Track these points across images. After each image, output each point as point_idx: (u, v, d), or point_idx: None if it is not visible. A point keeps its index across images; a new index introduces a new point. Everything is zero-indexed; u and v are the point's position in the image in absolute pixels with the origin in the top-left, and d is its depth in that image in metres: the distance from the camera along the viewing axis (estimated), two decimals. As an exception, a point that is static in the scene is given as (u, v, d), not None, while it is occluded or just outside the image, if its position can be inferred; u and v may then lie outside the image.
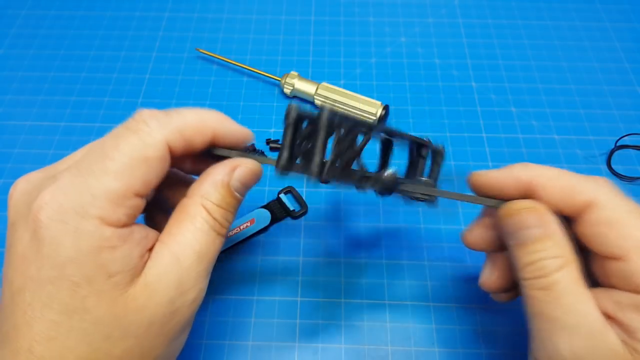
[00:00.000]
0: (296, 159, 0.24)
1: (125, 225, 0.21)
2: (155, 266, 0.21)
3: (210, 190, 0.23)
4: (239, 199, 0.24)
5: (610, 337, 0.20)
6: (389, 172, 0.25)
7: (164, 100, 0.44)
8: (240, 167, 0.24)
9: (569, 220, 0.23)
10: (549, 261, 0.21)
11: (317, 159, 0.22)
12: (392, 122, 0.43)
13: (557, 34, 0.50)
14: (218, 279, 0.34)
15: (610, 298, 0.21)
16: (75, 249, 0.19)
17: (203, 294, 0.23)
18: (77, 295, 0.19)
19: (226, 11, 0.52)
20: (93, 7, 0.52)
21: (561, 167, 0.44)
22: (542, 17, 0.51)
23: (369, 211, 0.37)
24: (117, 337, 0.20)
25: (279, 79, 0.44)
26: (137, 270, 0.21)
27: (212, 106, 0.44)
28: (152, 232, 0.23)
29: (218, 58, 0.47)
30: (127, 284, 0.21)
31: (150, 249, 0.22)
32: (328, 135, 0.22)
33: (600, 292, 0.22)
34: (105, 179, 0.20)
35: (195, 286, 0.22)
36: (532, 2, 0.53)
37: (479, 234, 0.27)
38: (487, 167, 0.40)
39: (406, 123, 0.43)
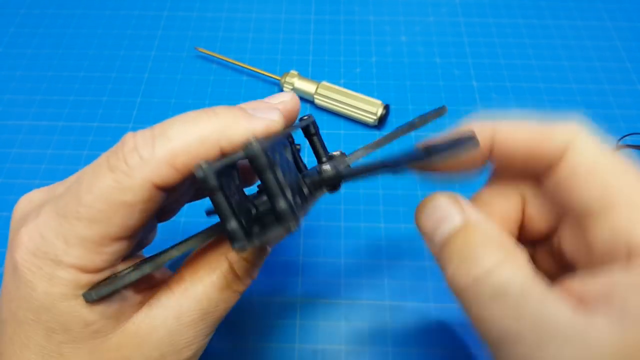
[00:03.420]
0: (248, 220, 0.19)
1: (104, 269, 0.19)
2: (151, 316, 0.19)
3: None
4: (267, 252, 0.22)
5: (604, 339, 0.15)
6: (325, 167, 0.22)
7: (162, 99, 0.44)
8: None
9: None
10: (485, 259, 0.17)
11: (282, 204, 0.17)
12: (393, 122, 0.43)
13: (558, 33, 0.50)
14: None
15: (601, 282, 0.16)
16: (49, 296, 0.18)
17: (201, 351, 0.21)
18: (53, 340, 0.19)
19: (225, 10, 0.52)
20: (92, 6, 0.52)
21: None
22: (543, 16, 0.51)
23: (369, 212, 0.37)
24: None
25: (279, 78, 0.44)
26: (123, 315, 0.19)
27: (211, 105, 0.44)
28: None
29: (217, 57, 0.46)
30: (110, 330, 0.19)
31: (149, 289, 0.20)
32: (274, 172, 0.17)
33: (581, 278, 0.17)
34: (77, 226, 0.18)
35: (192, 345, 0.20)
36: (533, 1, 0.52)
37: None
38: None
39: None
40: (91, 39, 0.49)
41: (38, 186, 0.38)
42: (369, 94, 0.43)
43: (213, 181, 0.17)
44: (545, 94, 0.45)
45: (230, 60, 0.46)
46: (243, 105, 0.22)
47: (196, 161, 0.18)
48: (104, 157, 0.19)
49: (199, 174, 0.16)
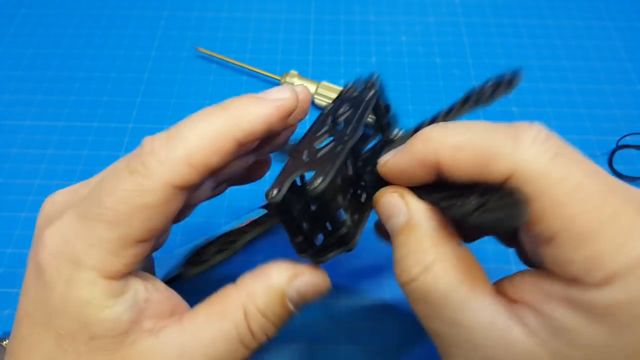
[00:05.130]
0: (312, 233, 0.19)
1: (123, 275, 0.19)
2: (155, 348, 0.19)
3: (259, 291, 0.20)
4: (291, 313, 0.21)
5: (518, 344, 0.17)
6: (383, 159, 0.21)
7: (162, 99, 0.44)
8: (304, 277, 0.20)
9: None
10: (415, 258, 0.18)
11: (343, 230, 0.18)
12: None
13: (558, 32, 0.50)
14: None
15: (541, 287, 0.17)
16: (64, 301, 0.18)
17: None
18: (60, 348, 0.18)
19: (225, 10, 0.52)
20: (92, 5, 0.52)
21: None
22: (543, 16, 0.51)
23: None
24: None
25: (279, 78, 0.44)
26: (128, 338, 0.19)
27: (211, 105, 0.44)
28: (167, 297, 0.20)
29: (217, 57, 0.46)
30: (113, 351, 0.19)
31: (161, 318, 0.20)
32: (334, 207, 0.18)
33: (530, 277, 0.18)
34: (99, 228, 0.18)
35: None
36: (533, 1, 0.52)
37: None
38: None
39: (407, 123, 0.43)
40: (91, 39, 0.49)
41: (38, 186, 0.38)
42: (369, 94, 0.42)
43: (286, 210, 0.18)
44: (545, 94, 0.45)
45: (230, 60, 0.46)
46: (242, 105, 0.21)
47: (213, 157, 0.18)
48: (123, 160, 0.19)
49: (275, 199, 0.17)
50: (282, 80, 0.44)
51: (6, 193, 0.38)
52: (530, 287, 0.18)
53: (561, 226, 0.16)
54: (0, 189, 0.38)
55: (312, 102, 0.43)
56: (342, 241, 0.18)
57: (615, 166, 0.39)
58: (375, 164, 0.21)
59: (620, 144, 0.40)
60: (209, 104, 0.47)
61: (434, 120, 0.22)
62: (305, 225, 0.19)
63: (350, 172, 0.22)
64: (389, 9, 0.52)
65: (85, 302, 0.18)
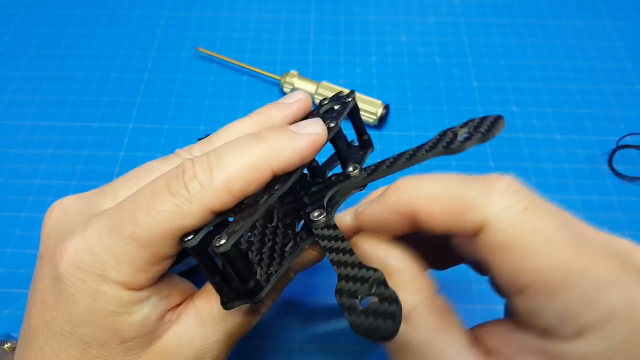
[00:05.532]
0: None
1: (147, 286, 0.20)
2: (179, 335, 0.21)
3: None
4: (290, 278, 0.23)
5: None
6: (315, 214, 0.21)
7: (162, 99, 0.44)
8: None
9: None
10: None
11: (251, 284, 0.19)
12: (393, 122, 0.43)
13: (558, 33, 0.50)
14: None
15: (514, 338, 0.17)
16: (90, 311, 0.19)
17: None
18: (87, 354, 0.19)
19: (225, 10, 0.52)
20: (92, 6, 0.52)
21: (563, 167, 0.43)
22: (543, 16, 0.51)
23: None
24: None
25: (279, 78, 0.44)
26: (155, 334, 0.20)
27: (211, 105, 0.44)
28: (179, 286, 0.22)
29: (217, 57, 0.46)
30: (142, 348, 0.20)
31: (176, 306, 0.21)
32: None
33: (504, 326, 0.18)
34: (131, 245, 0.18)
35: None
36: (533, 1, 0.52)
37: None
38: (487, 168, 0.40)
39: (407, 122, 0.43)
40: (91, 39, 0.49)
41: (38, 186, 0.38)
42: (369, 94, 0.43)
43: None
44: (545, 94, 0.45)
45: (230, 60, 0.46)
46: (270, 110, 0.23)
47: (251, 186, 0.19)
48: (162, 181, 0.19)
49: (187, 245, 0.18)
50: (282, 80, 0.44)
51: (6, 193, 0.38)
52: (504, 337, 0.18)
53: (533, 278, 0.16)
54: (0, 189, 0.39)
55: (312, 103, 0.43)
56: (249, 293, 0.19)
57: (615, 166, 0.39)
58: (320, 202, 0.21)
59: (620, 144, 0.40)
60: (209, 104, 0.47)
61: (395, 161, 0.21)
62: (220, 269, 0.20)
63: (275, 221, 0.22)
64: (389, 9, 0.52)
65: (114, 312, 0.19)
